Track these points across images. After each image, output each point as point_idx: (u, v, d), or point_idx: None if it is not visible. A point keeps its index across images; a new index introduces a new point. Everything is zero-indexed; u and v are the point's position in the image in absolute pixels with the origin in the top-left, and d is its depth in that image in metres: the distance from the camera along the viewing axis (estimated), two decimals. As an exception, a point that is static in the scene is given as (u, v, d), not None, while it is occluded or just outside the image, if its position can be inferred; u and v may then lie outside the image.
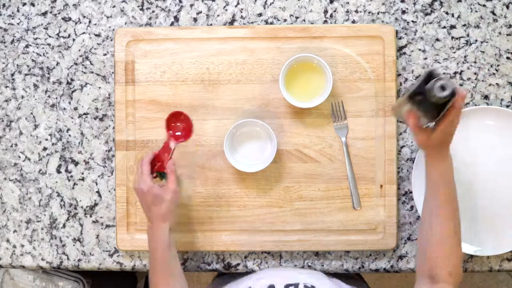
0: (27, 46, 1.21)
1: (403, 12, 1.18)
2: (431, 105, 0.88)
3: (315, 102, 1.13)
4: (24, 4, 1.21)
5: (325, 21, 1.18)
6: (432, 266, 0.94)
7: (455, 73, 1.17)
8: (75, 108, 1.20)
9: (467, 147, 1.14)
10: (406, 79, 1.17)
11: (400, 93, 1.17)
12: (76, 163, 1.20)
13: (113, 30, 1.20)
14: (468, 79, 1.17)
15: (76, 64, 1.20)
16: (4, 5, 1.21)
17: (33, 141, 1.21)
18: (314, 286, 0.98)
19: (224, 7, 1.19)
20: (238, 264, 1.18)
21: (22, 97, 1.21)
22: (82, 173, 1.20)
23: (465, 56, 1.17)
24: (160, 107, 1.17)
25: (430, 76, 0.87)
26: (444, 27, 1.18)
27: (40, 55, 1.21)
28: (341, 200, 1.15)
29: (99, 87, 1.20)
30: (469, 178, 1.15)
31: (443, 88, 0.85)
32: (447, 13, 1.18)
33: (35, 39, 1.21)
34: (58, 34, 1.21)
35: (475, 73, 1.17)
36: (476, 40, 1.17)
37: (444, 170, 0.96)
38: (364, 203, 1.15)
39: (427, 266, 0.95)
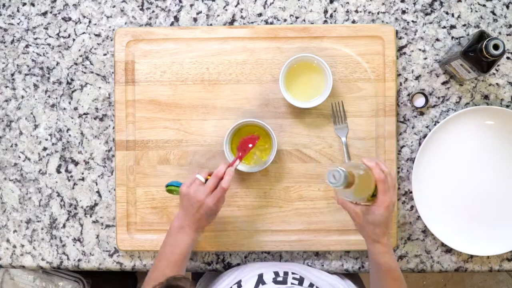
0: (27, 46, 1.21)
1: (403, 12, 1.18)
2: (481, 61, 1.00)
3: (315, 102, 1.13)
4: (24, 4, 1.21)
5: (325, 21, 1.18)
6: None
7: (455, 73, 1.17)
8: (75, 108, 1.20)
9: (467, 147, 1.14)
10: (406, 79, 1.17)
11: (400, 93, 1.17)
12: (76, 163, 1.20)
13: (113, 30, 1.20)
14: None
15: (76, 64, 1.20)
16: (4, 5, 1.21)
17: (33, 141, 1.21)
18: (302, 278, 0.98)
19: (224, 7, 1.19)
20: (238, 264, 1.18)
21: (22, 97, 1.21)
22: (82, 173, 1.20)
23: (465, 56, 1.17)
24: (160, 107, 1.17)
25: (481, 35, 1.01)
26: (444, 27, 1.17)
27: (40, 55, 1.21)
28: (341, 200, 1.15)
29: (99, 87, 1.20)
30: (469, 178, 1.15)
31: (496, 47, 0.96)
32: (447, 13, 1.17)
33: (35, 39, 1.21)
34: (58, 34, 1.21)
35: (475, 73, 1.17)
36: (476, 40, 1.17)
37: (389, 258, 0.97)
38: (364, 203, 1.15)
39: None
